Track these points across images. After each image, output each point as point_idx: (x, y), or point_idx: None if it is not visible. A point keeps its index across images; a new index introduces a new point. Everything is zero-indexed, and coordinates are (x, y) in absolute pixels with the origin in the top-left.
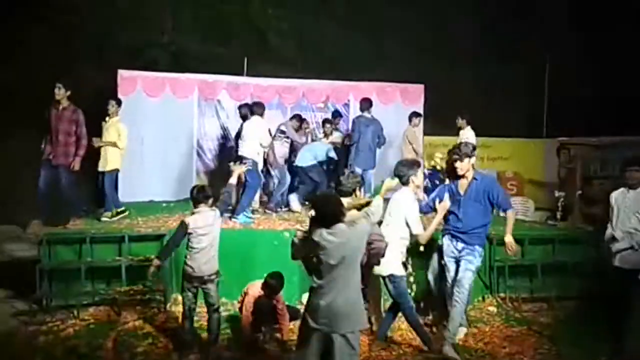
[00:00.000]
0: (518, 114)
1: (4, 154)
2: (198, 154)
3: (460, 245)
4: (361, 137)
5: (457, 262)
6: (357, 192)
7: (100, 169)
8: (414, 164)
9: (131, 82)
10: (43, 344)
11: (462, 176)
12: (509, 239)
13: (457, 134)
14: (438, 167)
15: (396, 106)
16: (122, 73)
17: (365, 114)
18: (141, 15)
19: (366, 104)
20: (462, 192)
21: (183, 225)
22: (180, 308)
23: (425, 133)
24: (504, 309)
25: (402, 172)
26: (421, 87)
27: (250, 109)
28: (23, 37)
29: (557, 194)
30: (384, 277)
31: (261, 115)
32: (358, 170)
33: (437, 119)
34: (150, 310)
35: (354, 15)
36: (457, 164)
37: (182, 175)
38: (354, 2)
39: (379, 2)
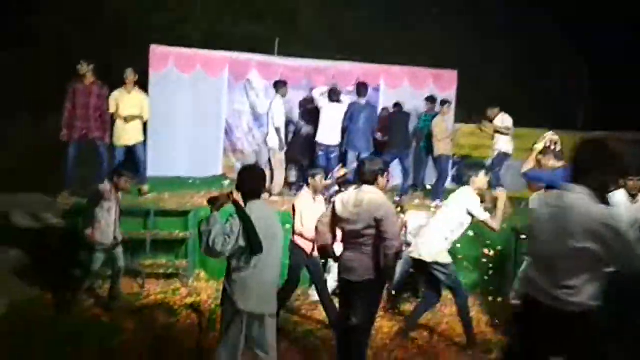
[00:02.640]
0: (553, 105)
1: (33, 127)
2: (226, 132)
3: None
4: (353, 123)
5: None
6: (381, 179)
7: (125, 142)
8: (477, 166)
9: (163, 58)
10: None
11: None
12: None
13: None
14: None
15: (429, 91)
16: (154, 48)
17: (360, 100)
18: None
19: (363, 89)
20: None
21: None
22: (202, 284)
23: (457, 120)
24: None
25: (462, 171)
26: (454, 73)
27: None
28: (59, 15)
29: None
30: (428, 264)
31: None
32: (352, 154)
33: (470, 107)
34: (172, 284)
35: None
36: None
37: (210, 152)
38: None
39: None
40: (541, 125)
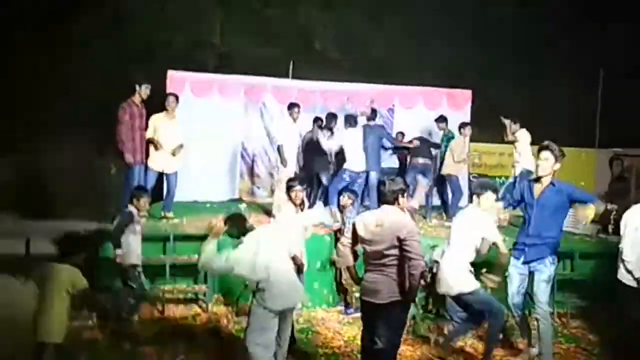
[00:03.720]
0: (570, 122)
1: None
2: (242, 156)
3: (529, 255)
4: (366, 143)
5: (526, 273)
6: (401, 199)
7: (161, 169)
8: (485, 186)
9: (180, 82)
10: (88, 337)
11: (538, 179)
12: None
13: (507, 140)
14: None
15: (442, 111)
16: (171, 74)
17: (370, 122)
18: (191, 18)
19: (372, 113)
20: (535, 196)
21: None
22: (222, 308)
23: (471, 139)
24: (552, 324)
25: (473, 189)
26: (469, 92)
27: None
28: (76, 38)
29: (609, 206)
30: (454, 297)
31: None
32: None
33: (483, 126)
34: (192, 309)
35: (401, 19)
36: (547, 163)
37: (226, 176)
38: (401, 5)
39: (428, 6)
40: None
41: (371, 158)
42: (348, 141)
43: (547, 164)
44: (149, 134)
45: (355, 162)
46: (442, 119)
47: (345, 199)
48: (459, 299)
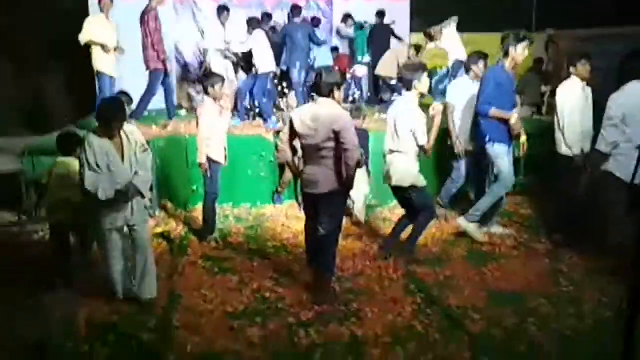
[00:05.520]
0: (507, 7)
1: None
2: (177, 60)
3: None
4: (291, 40)
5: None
6: (337, 92)
7: (112, 72)
8: (419, 68)
9: None
10: (35, 252)
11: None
12: None
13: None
14: None
15: (381, 4)
16: None
17: (295, 20)
18: None
19: (296, 11)
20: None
21: None
22: (170, 213)
23: (413, 30)
24: None
25: (405, 76)
26: None
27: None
28: None
29: (543, 88)
30: (404, 189)
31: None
32: (295, 71)
33: (425, 14)
34: None
35: None
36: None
37: None
38: None
39: None
40: (496, 29)
41: (301, 56)
42: (255, 43)
43: (526, 52)
44: (86, 38)
45: (266, 63)
46: (346, 18)
47: (291, 100)
48: (404, 192)
